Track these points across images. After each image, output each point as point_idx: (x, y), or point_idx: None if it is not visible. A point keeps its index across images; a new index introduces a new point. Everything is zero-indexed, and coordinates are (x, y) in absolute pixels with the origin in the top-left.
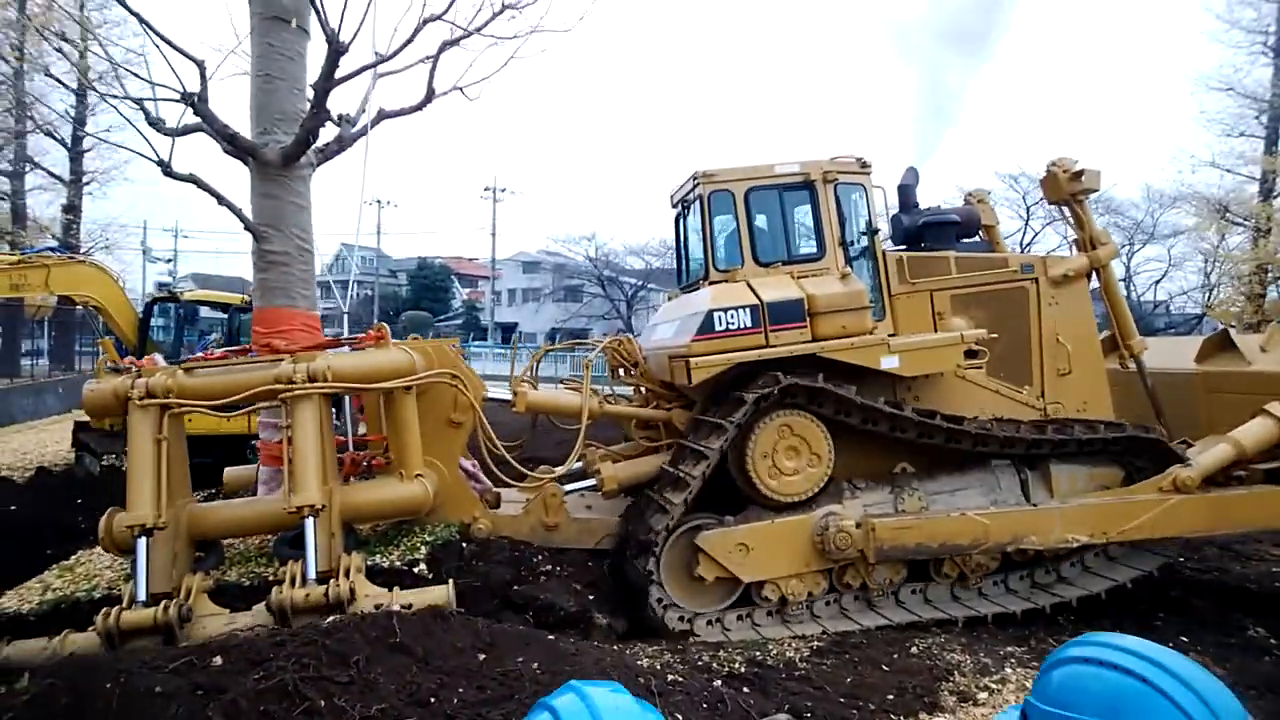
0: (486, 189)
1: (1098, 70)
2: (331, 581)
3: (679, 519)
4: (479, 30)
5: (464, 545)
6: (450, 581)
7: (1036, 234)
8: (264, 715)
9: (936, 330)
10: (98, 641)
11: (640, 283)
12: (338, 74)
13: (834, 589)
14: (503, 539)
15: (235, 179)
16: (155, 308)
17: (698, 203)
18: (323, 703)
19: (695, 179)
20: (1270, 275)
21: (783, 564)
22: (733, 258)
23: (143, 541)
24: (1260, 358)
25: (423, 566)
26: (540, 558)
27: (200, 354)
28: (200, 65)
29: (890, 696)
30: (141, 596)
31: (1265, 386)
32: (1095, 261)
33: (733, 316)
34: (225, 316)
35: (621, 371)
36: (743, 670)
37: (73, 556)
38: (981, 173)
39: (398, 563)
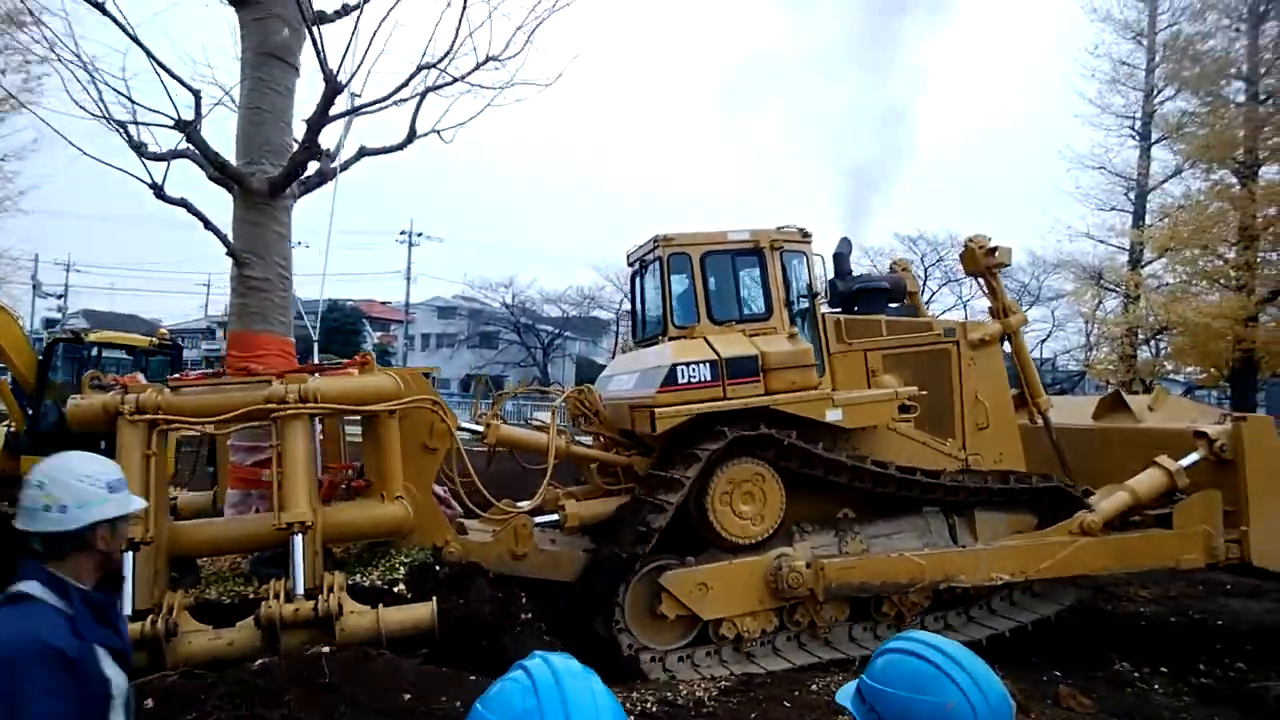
0: (403, 233)
1: (986, 145)
2: (319, 597)
3: (641, 566)
4: (463, 78)
5: (437, 569)
6: (434, 600)
7: (934, 293)
8: None
9: (870, 386)
10: None
11: (557, 330)
12: (332, 111)
13: (784, 626)
14: (472, 565)
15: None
16: (58, 348)
17: (657, 264)
18: None
19: (655, 242)
20: (1140, 337)
21: (739, 602)
22: (689, 316)
23: (130, 556)
24: (1148, 416)
25: (401, 587)
26: (514, 590)
27: None
28: (196, 95)
29: None
30: (127, 611)
31: (1153, 441)
32: (1008, 328)
33: (694, 370)
34: (131, 359)
35: (582, 420)
36: (654, 709)
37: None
38: (879, 233)
39: (378, 582)
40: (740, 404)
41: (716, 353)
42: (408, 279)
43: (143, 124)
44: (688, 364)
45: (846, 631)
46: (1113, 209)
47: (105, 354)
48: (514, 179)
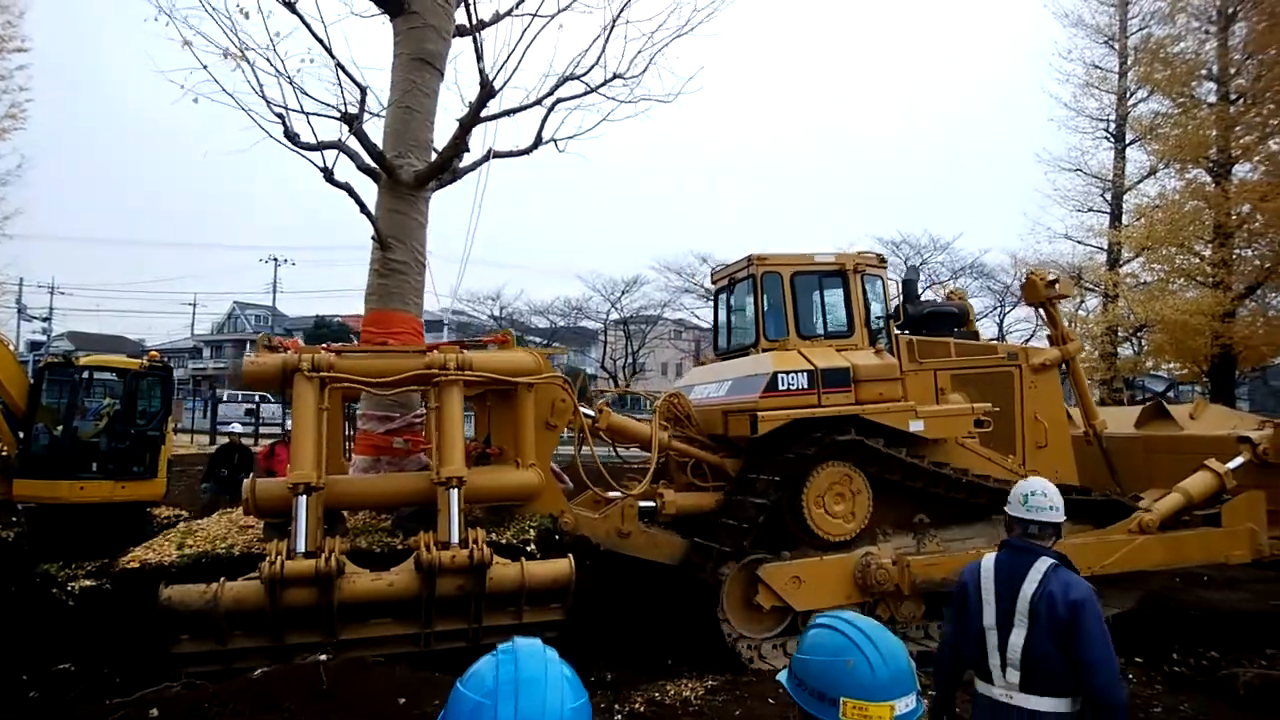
0: None
1: (969, 145)
2: (472, 547)
3: (742, 558)
4: (597, 89)
5: (557, 536)
6: (570, 556)
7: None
8: None
9: (938, 404)
10: (258, 588)
11: (545, 342)
12: (483, 113)
13: None
14: (583, 539)
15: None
16: (46, 373)
17: (749, 281)
18: None
19: (750, 261)
20: (1120, 335)
21: (828, 596)
22: (780, 330)
23: (304, 499)
24: (1190, 424)
25: (533, 547)
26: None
27: (93, 420)
28: (363, 91)
29: None
30: (301, 548)
31: (1195, 447)
32: (1066, 354)
33: (793, 379)
34: (120, 382)
35: (672, 422)
36: (642, 709)
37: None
38: (859, 237)
39: (513, 541)
40: (833, 411)
41: (812, 364)
42: None
43: (308, 113)
44: (787, 372)
45: (924, 630)
46: (1090, 210)
47: (96, 376)
48: (499, 190)
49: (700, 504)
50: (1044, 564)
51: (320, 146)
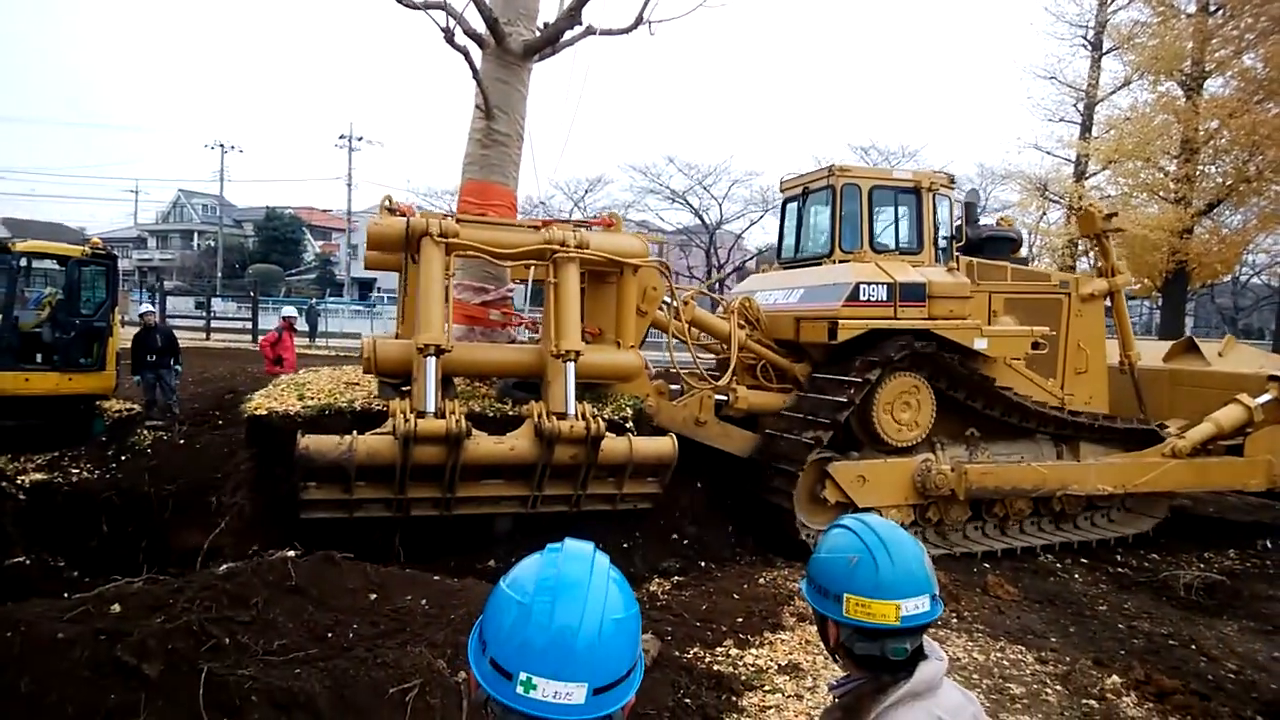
0: (342, 137)
1: (941, 54)
2: (589, 417)
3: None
4: None
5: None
6: (673, 435)
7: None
8: (172, 653)
9: (991, 324)
10: (391, 443)
11: None
12: None
13: (917, 521)
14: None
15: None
16: None
17: (828, 191)
18: (227, 640)
19: (831, 171)
20: (1080, 249)
21: (889, 495)
22: (854, 242)
23: (433, 360)
24: (1218, 360)
25: (630, 425)
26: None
27: (35, 310)
28: None
29: (740, 619)
30: (431, 408)
31: (1222, 383)
32: (1114, 286)
33: (873, 290)
34: (63, 270)
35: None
36: None
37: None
38: (833, 145)
39: (614, 418)
40: (908, 324)
41: (891, 276)
42: (349, 185)
43: None
44: (869, 283)
45: (961, 531)
46: (1061, 120)
47: (35, 264)
48: (457, 79)
49: (770, 403)
50: None
51: (422, 6)
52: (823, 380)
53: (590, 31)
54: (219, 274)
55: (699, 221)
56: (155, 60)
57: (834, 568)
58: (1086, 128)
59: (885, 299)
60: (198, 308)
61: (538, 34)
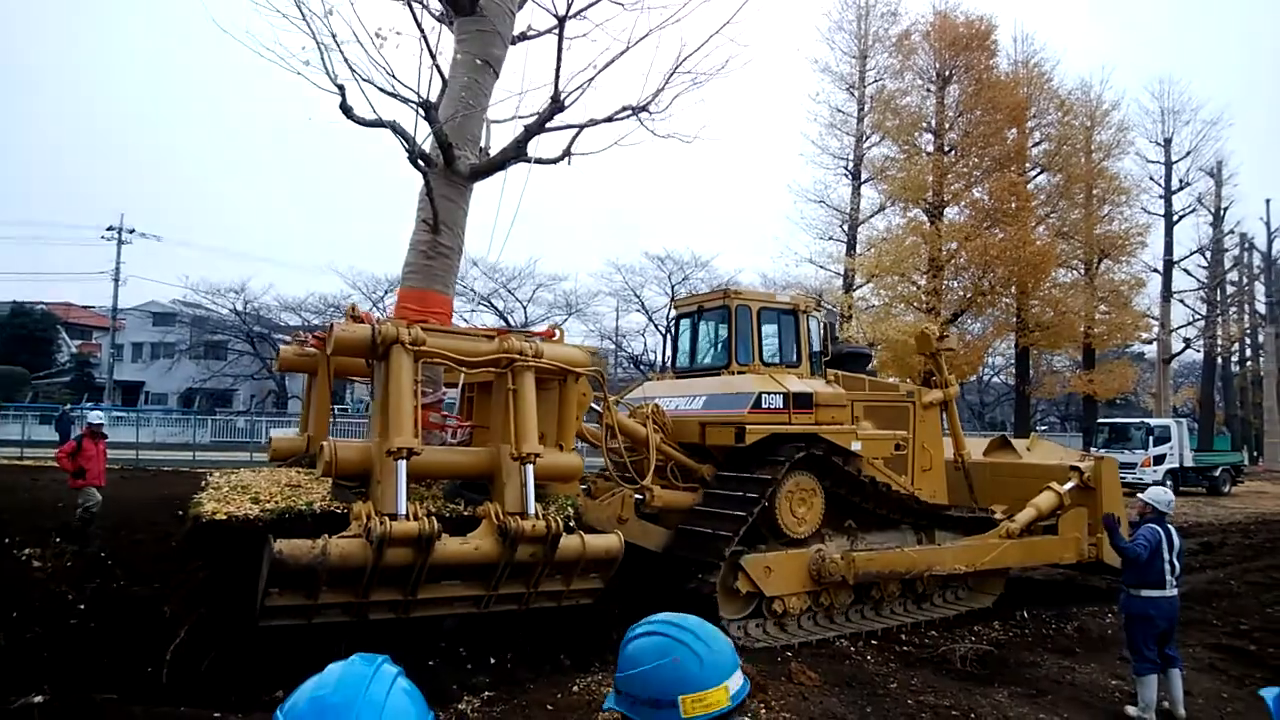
0: (110, 228)
1: (725, 175)
2: (549, 518)
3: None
4: (647, 108)
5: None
6: (618, 533)
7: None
8: None
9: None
10: (364, 546)
11: (302, 340)
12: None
13: (811, 608)
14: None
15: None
16: None
17: (723, 310)
18: None
19: (725, 294)
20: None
21: (791, 584)
22: (747, 356)
23: (403, 464)
24: (1028, 454)
25: (574, 524)
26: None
27: None
28: (444, 80)
29: None
30: (402, 510)
31: (1034, 473)
32: (947, 396)
33: (772, 399)
34: None
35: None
36: None
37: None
38: (629, 251)
39: (558, 517)
40: (800, 429)
41: (785, 387)
42: (116, 280)
43: (386, 90)
44: (769, 393)
45: (845, 614)
46: (830, 239)
47: None
48: (252, 174)
49: (681, 501)
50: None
51: (372, 124)
52: (731, 479)
53: (526, 160)
54: None
55: (504, 324)
56: None
57: (660, 675)
58: (851, 245)
59: (782, 406)
60: None
61: (482, 159)
